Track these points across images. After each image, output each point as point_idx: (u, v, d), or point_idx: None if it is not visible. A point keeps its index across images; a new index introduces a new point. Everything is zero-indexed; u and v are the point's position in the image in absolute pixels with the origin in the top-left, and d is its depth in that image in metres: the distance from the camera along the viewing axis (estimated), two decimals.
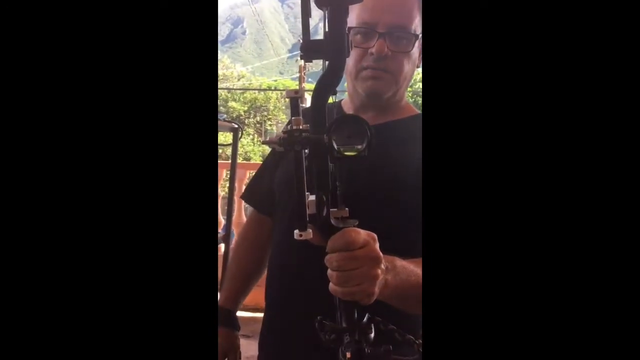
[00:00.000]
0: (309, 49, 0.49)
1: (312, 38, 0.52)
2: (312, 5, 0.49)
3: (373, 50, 0.85)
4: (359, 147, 0.45)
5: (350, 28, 0.86)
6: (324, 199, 0.54)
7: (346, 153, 0.46)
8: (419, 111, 1.02)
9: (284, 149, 0.46)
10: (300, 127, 0.45)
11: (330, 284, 0.57)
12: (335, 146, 0.45)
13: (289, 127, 0.48)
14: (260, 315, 1.05)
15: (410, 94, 16.06)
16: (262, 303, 1.03)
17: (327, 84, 0.50)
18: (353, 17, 0.88)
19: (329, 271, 0.57)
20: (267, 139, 0.49)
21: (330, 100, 0.54)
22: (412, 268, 0.72)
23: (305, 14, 0.48)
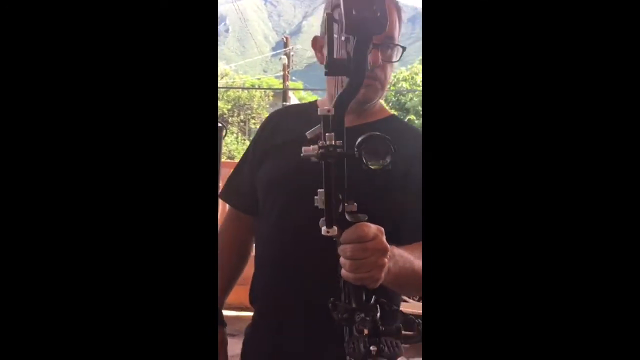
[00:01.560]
0: (333, 65, 0.56)
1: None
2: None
3: (370, 59, 0.92)
4: (383, 161, 0.52)
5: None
6: (340, 197, 0.62)
7: (372, 167, 0.53)
8: (392, 112, 1.13)
9: (319, 160, 0.53)
10: (334, 143, 0.53)
11: (342, 270, 0.64)
12: (364, 160, 0.52)
13: (322, 142, 0.56)
14: (245, 314, 1.08)
15: (392, 93, 16.01)
16: (247, 302, 1.06)
17: (347, 97, 0.58)
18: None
19: (342, 259, 0.64)
20: (303, 153, 0.55)
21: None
22: (407, 256, 0.80)
23: (331, 34, 0.56)
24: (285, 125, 1.11)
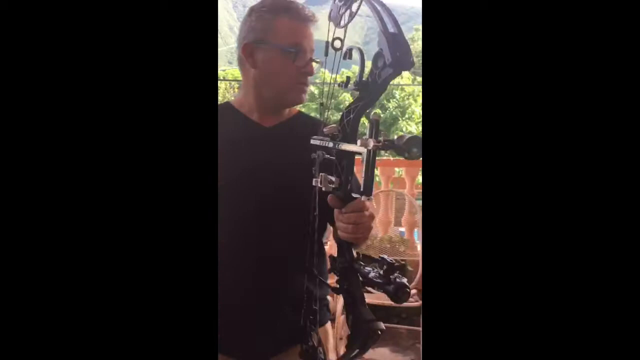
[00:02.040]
0: (362, 84, 0.76)
1: None
2: None
3: (308, 70, 1.13)
4: (418, 154, 0.67)
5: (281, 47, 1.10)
6: (350, 179, 0.82)
7: (413, 156, 0.67)
8: (297, 109, 1.31)
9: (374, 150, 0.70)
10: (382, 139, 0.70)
11: (341, 232, 0.84)
12: (408, 150, 0.66)
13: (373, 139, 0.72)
14: None
15: None
16: None
17: (364, 110, 0.78)
18: (282, 36, 1.10)
19: (343, 225, 0.84)
20: (359, 144, 0.70)
21: None
22: None
23: (363, 63, 0.76)
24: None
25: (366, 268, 0.76)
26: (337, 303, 2.89)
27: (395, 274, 0.66)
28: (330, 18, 0.83)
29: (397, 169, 4.34)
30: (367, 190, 0.72)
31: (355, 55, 0.80)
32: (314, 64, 1.15)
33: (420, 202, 4.01)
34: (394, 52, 0.63)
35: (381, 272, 0.69)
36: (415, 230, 3.64)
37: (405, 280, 0.65)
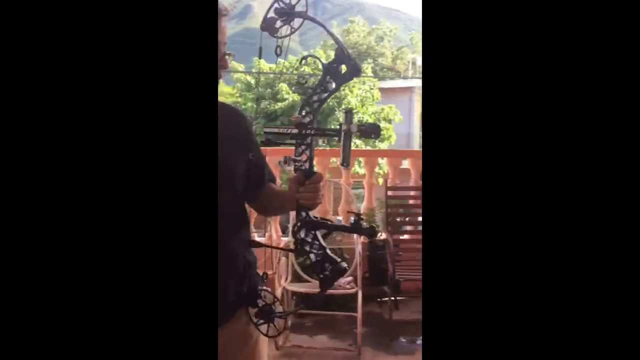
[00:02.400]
0: (322, 87, 0.85)
1: None
2: None
3: (222, 63, 1.19)
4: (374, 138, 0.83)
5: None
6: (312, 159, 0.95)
7: (376, 138, 0.83)
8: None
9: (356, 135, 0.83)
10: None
11: (304, 201, 1.00)
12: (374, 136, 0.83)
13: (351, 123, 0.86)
14: None
15: (295, 77, 16.51)
16: None
17: (321, 105, 0.89)
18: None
19: (306, 194, 0.99)
20: (344, 128, 0.83)
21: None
22: None
23: (325, 71, 0.85)
24: None
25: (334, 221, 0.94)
26: (276, 290, 2.94)
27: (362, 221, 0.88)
28: (263, 27, 0.92)
29: (333, 159, 4.40)
30: (346, 162, 0.86)
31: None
32: (227, 57, 1.21)
33: (355, 192, 4.13)
34: (350, 64, 0.79)
35: (351, 221, 0.94)
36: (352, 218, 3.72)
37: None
